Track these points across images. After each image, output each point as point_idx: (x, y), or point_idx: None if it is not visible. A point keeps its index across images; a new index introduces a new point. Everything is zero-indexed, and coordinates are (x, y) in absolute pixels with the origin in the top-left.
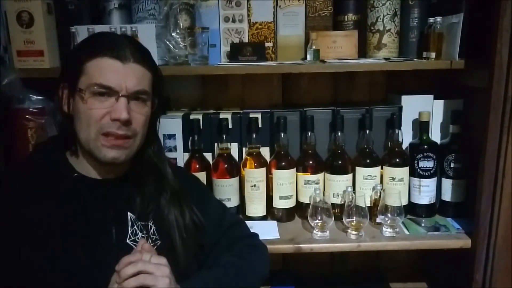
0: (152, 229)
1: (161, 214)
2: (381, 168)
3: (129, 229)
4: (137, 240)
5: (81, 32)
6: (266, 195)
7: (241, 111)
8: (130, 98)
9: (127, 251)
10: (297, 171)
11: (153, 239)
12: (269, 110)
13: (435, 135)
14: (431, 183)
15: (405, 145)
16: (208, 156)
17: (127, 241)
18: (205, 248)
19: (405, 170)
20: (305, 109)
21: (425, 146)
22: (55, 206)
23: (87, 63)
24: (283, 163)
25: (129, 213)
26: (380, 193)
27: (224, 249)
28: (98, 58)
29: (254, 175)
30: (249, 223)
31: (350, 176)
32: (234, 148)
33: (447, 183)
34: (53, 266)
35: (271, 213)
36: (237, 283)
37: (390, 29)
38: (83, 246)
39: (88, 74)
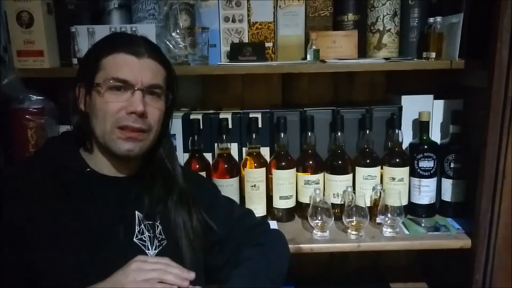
0: (158, 228)
1: (168, 215)
2: (381, 168)
3: (136, 227)
4: (144, 239)
5: (81, 32)
6: (266, 195)
7: (241, 111)
8: (145, 92)
9: (134, 250)
10: (297, 171)
11: (159, 238)
12: (269, 110)
13: (435, 135)
14: (431, 183)
15: (405, 145)
16: (208, 156)
17: (134, 239)
18: (218, 243)
19: (405, 170)
20: (305, 109)
21: (425, 146)
22: (65, 202)
23: (104, 59)
24: (283, 163)
25: (136, 212)
26: (380, 193)
27: (239, 239)
28: (114, 54)
29: (254, 175)
30: None
31: (350, 176)
32: (234, 148)
33: (447, 183)
34: (61, 262)
35: (271, 213)
36: (269, 270)
37: (390, 29)
38: (91, 243)
39: (105, 70)
